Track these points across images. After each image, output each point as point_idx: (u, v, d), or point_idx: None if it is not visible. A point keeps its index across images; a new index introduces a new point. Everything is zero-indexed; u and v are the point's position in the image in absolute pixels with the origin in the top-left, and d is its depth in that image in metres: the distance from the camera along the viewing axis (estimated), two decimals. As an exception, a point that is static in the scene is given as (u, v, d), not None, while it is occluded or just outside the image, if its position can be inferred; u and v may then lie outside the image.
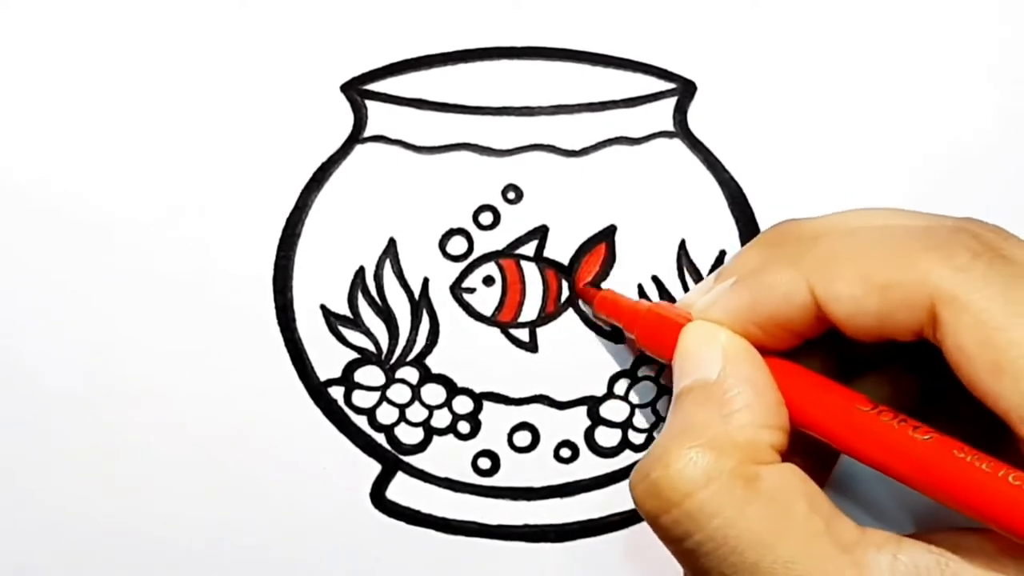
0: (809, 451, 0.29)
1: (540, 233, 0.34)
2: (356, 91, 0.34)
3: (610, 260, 0.34)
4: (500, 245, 0.34)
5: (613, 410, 0.35)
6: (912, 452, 0.25)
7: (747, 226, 0.34)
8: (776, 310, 0.28)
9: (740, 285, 0.28)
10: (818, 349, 0.29)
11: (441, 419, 0.35)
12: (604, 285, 0.34)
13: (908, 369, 0.30)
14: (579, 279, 0.34)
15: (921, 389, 0.30)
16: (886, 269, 0.26)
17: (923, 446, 0.25)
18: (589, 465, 0.35)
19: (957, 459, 0.25)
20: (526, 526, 0.35)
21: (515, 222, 0.34)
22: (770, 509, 0.25)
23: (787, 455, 0.27)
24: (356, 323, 0.34)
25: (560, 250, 0.34)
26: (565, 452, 0.35)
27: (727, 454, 0.26)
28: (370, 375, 0.35)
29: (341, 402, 0.35)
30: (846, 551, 0.25)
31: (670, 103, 0.34)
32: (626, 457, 0.35)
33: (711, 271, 0.34)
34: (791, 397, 0.28)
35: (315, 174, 0.34)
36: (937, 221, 0.27)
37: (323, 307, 0.34)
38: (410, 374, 0.35)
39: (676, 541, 0.26)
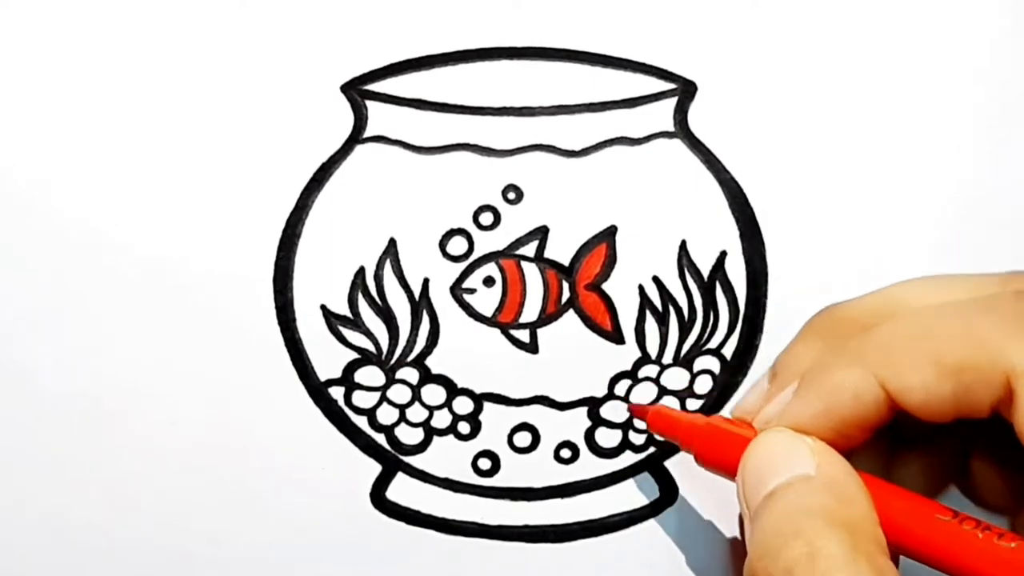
0: None
1: (540, 233, 0.34)
2: (356, 91, 0.34)
3: (611, 261, 0.34)
4: (500, 245, 0.34)
5: (613, 411, 0.35)
6: (1000, 561, 0.24)
7: (748, 226, 0.34)
8: (849, 412, 0.26)
9: (805, 390, 0.27)
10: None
11: (441, 420, 0.35)
12: (605, 287, 0.34)
13: (951, 442, 0.29)
14: (580, 280, 0.34)
15: (960, 462, 0.29)
16: (957, 350, 0.25)
17: (1010, 554, 0.24)
18: (589, 466, 0.35)
19: None
20: (526, 527, 0.35)
21: (515, 222, 0.34)
22: None
23: None
24: (356, 323, 0.34)
25: (561, 251, 0.34)
26: (565, 453, 0.35)
27: (862, 537, 0.25)
28: (370, 375, 0.35)
29: (341, 402, 0.35)
30: None
31: (670, 103, 0.34)
32: (626, 458, 0.35)
33: (712, 271, 0.34)
34: (880, 511, 0.26)
35: (315, 174, 0.34)
36: (990, 286, 0.26)
37: (323, 307, 0.34)
38: (410, 374, 0.35)
39: None
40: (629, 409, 0.34)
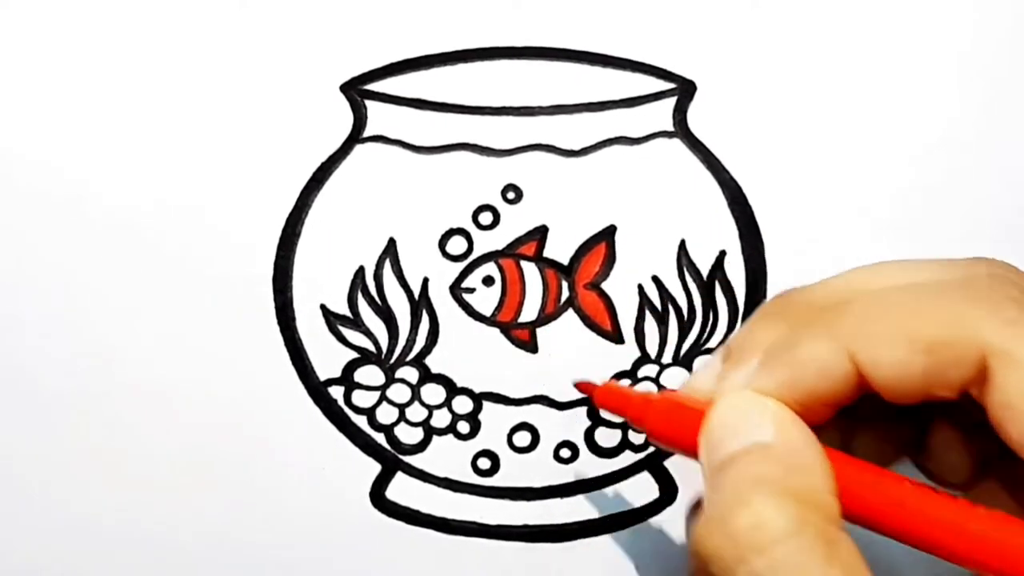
0: None
1: (540, 233, 0.34)
2: (356, 91, 0.34)
3: (610, 260, 0.34)
4: (500, 245, 0.34)
5: (613, 410, 0.35)
6: (974, 526, 0.24)
7: (747, 226, 0.34)
8: (816, 385, 0.26)
9: (770, 363, 0.26)
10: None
11: (441, 419, 0.35)
12: (605, 286, 0.34)
13: (908, 419, 0.29)
14: (580, 279, 0.34)
15: (917, 439, 0.29)
16: (932, 327, 0.24)
17: (985, 517, 0.24)
18: (589, 465, 0.35)
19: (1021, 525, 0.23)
20: (526, 526, 0.35)
21: (515, 222, 0.34)
22: None
23: None
24: (356, 323, 0.34)
25: (560, 250, 0.34)
26: (565, 452, 0.35)
27: (812, 508, 0.24)
28: (370, 375, 0.35)
29: (341, 402, 0.35)
30: None
31: (670, 103, 0.34)
32: (626, 457, 0.35)
33: (711, 271, 0.34)
34: (840, 482, 0.26)
35: (315, 174, 0.34)
36: (962, 269, 0.26)
37: (323, 307, 0.34)
38: (410, 374, 0.35)
39: None
40: (576, 386, 0.32)
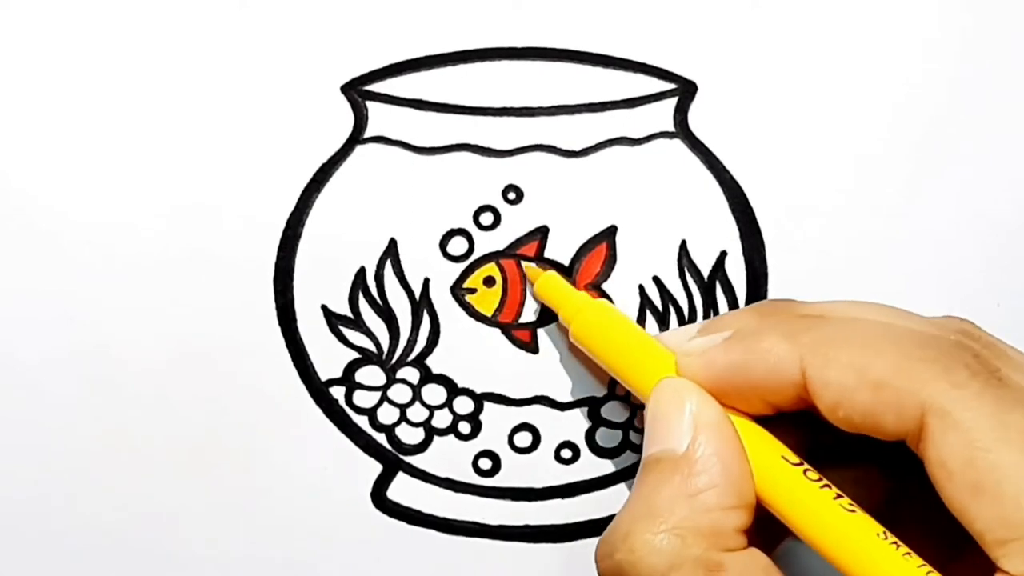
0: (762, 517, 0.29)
1: (541, 233, 0.34)
2: (356, 92, 0.34)
3: (611, 260, 0.34)
4: (501, 245, 0.34)
5: (614, 411, 0.35)
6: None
7: (748, 227, 0.34)
8: (763, 378, 0.27)
9: (733, 343, 0.28)
10: (791, 424, 0.29)
11: (442, 419, 0.35)
12: (606, 287, 0.34)
13: (880, 470, 0.30)
14: (581, 280, 0.34)
15: (891, 491, 0.30)
16: (882, 367, 0.25)
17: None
18: (590, 466, 0.35)
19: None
20: (527, 527, 0.35)
21: (516, 222, 0.34)
22: None
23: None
24: (357, 323, 0.34)
25: (561, 250, 0.34)
26: (566, 453, 0.35)
27: (691, 541, 0.26)
28: (371, 375, 0.35)
29: (342, 402, 0.35)
30: None
31: (671, 103, 0.34)
32: (627, 458, 0.35)
33: (712, 271, 0.34)
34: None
35: (316, 175, 0.34)
36: (939, 330, 0.27)
37: (324, 307, 0.34)
38: (411, 374, 0.35)
39: None
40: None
